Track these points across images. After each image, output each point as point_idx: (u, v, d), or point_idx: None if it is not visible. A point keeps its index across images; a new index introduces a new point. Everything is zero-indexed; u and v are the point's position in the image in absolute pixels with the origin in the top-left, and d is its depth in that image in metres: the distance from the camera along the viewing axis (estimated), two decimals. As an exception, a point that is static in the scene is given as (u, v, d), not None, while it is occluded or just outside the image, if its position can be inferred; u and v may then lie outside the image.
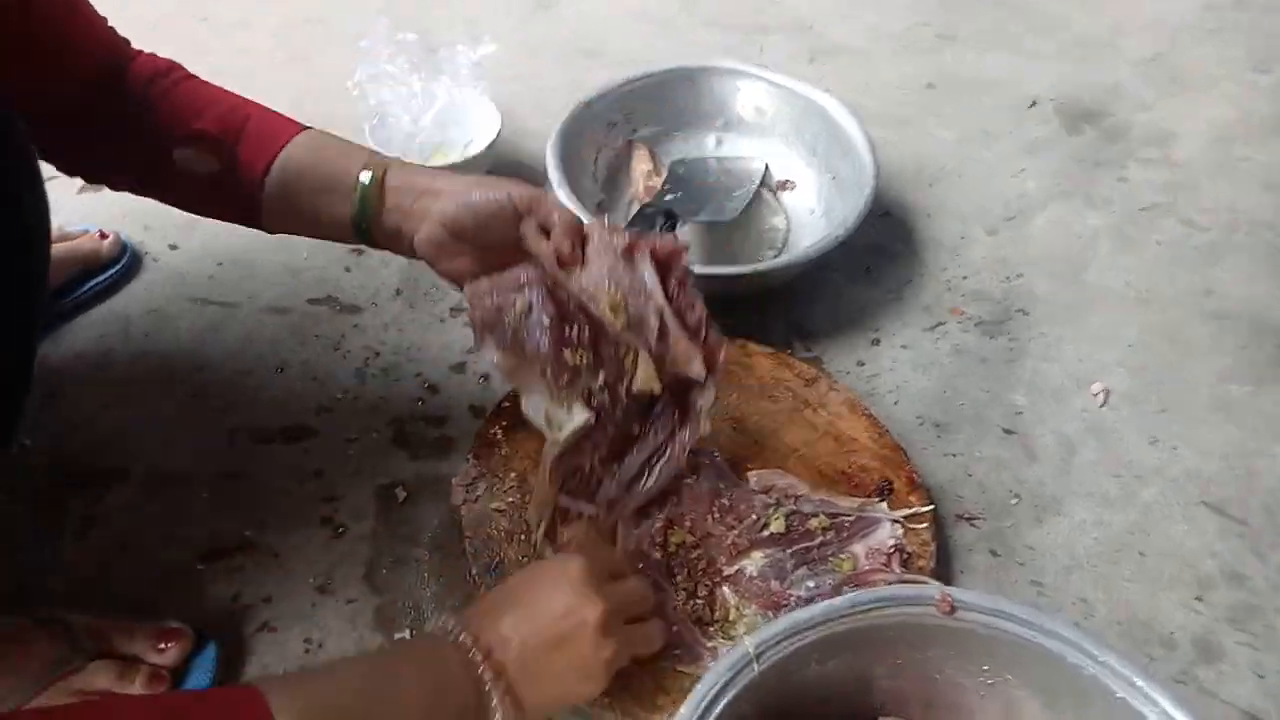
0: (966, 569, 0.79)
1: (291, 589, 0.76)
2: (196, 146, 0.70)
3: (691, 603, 0.71)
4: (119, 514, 0.80)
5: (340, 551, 0.78)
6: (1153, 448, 0.88)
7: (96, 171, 0.77)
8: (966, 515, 0.83)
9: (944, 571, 0.78)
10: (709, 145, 1.13)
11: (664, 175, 1.07)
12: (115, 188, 0.78)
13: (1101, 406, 0.92)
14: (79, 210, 1.06)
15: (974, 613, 0.56)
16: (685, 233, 1.04)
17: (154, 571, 0.77)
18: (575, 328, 0.67)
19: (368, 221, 0.69)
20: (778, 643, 0.55)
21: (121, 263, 0.99)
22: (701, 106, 1.12)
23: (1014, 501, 0.84)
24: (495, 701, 0.55)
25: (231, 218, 0.76)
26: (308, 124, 0.73)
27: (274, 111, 0.73)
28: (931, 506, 0.78)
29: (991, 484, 0.85)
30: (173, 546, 0.78)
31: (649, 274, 0.68)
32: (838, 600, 0.56)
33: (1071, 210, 1.12)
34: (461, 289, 0.70)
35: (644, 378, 0.68)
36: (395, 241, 0.71)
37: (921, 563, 0.75)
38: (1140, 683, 0.53)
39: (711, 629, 0.70)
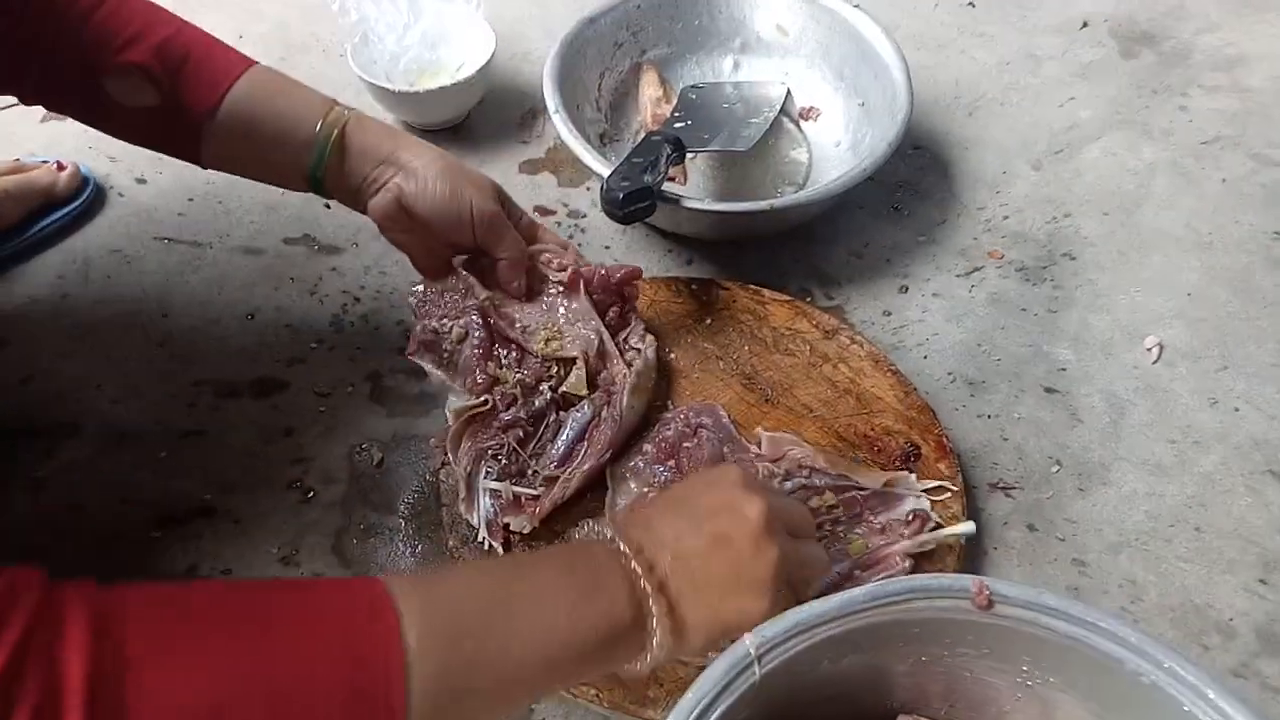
0: (1001, 545, 0.71)
1: (252, 559, 0.69)
2: (131, 78, 0.65)
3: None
4: (69, 474, 0.74)
5: (308, 519, 0.72)
6: (1213, 409, 0.79)
7: (2, 82, 0.68)
8: (1001, 484, 0.75)
9: (975, 549, 0.70)
10: (725, 68, 1.03)
11: (674, 101, 0.97)
12: (26, 103, 0.70)
13: (1155, 363, 0.82)
14: (40, 140, 0.98)
15: (1015, 607, 0.48)
16: (695, 165, 0.95)
17: (104, 539, 0.70)
18: (506, 352, 0.72)
19: (322, 178, 0.68)
20: (784, 641, 0.47)
21: (82, 197, 0.91)
22: (717, 25, 1.01)
23: (1055, 470, 0.76)
24: (655, 621, 0.48)
25: (165, 151, 0.71)
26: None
27: (217, 42, 0.69)
28: (959, 486, 0.70)
29: (1030, 449, 0.77)
30: (126, 511, 0.72)
31: (585, 303, 0.73)
32: (856, 592, 0.48)
33: (1126, 143, 1.01)
34: (405, 254, 0.73)
35: (575, 384, 0.71)
36: (348, 199, 0.70)
37: (950, 539, 0.67)
38: (1213, 694, 0.45)
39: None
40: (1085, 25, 1.14)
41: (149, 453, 0.75)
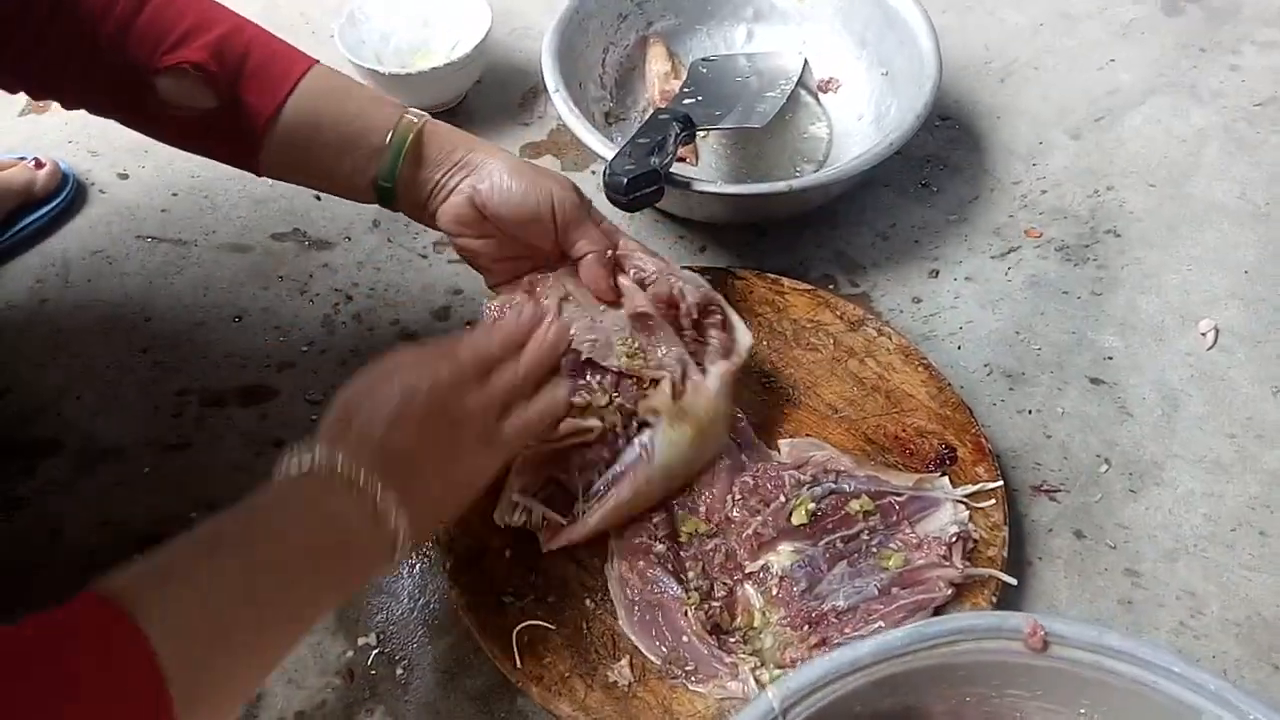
0: (1045, 555, 0.66)
1: (241, 583, 0.65)
2: (186, 79, 0.60)
3: (707, 605, 0.58)
4: (48, 493, 0.70)
5: (299, 537, 0.67)
6: (1276, 399, 0.73)
7: (44, 88, 0.65)
8: (1045, 487, 0.69)
9: (1017, 559, 0.65)
10: (738, 39, 0.96)
11: (684, 76, 0.91)
12: (68, 106, 0.66)
13: (1211, 348, 0.76)
14: (18, 135, 0.93)
15: (1074, 649, 0.43)
16: (706, 144, 0.89)
17: (85, 561, 0.66)
18: (597, 376, 0.63)
19: (392, 189, 0.64)
20: (812, 692, 0.42)
21: (62, 196, 0.87)
22: None
23: (1104, 469, 0.70)
24: (387, 506, 0.48)
25: (221, 158, 0.66)
26: (275, 30, 0.64)
27: (274, 37, 0.64)
28: (1000, 483, 0.64)
29: (1076, 448, 0.71)
30: (107, 532, 0.68)
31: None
32: (892, 636, 0.42)
33: (1172, 107, 0.93)
34: (469, 263, 0.67)
35: (659, 399, 0.62)
36: (415, 210, 0.65)
37: (991, 551, 0.61)
38: (1302, 750, 0.40)
39: (731, 640, 0.57)
40: (1125, -20, 1.06)
41: (131, 469, 0.71)
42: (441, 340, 0.57)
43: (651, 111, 0.79)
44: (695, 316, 0.65)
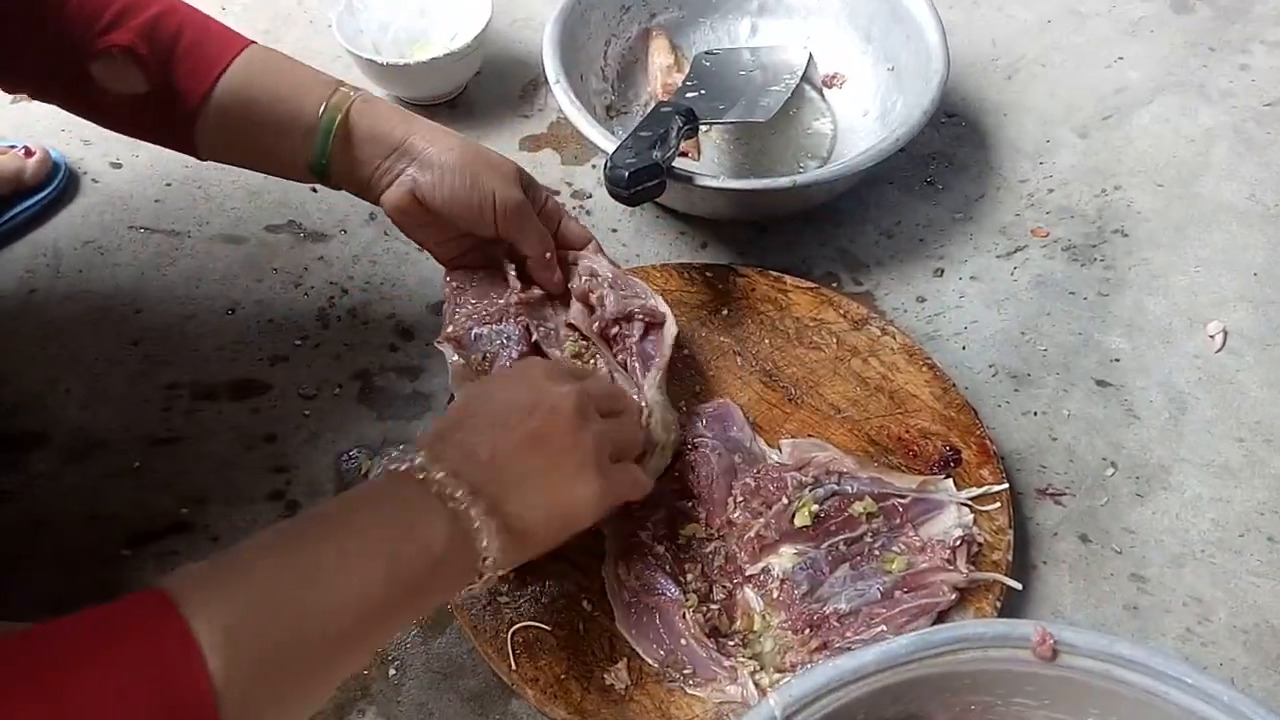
0: (1050, 559, 0.64)
1: (230, 581, 0.63)
2: (118, 63, 0.59)
3: (705, 608, 0.57)
4: (34, 487, 0.68)
5: (290, 534, 0.66)
6: (1285, 403, 0.72)
7: (8, 78, 0.64)
8: (1050, 490, 0.68)
9: (1022, 562, 0.64)
10: (742, 33, 0.95)
11: (687, 70, 0.89)
12: (9, 90, 0.66)
13: (1219, 351, 0.75)
14: (9, 123, 0.91)
15: (1084, 658, 0.42)
16: (709, 139, 0.87)
17: (73, 557, 0.65)
18: None
19: (327, 168, 0.63)
20: (814, 700, 0.41)
21: (53, 185, 0.85)
22: None
23: (1110, 472, 0.68)
24: (478, 523, 0.45)
25: (159, 143, 0.65)
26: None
27: (210, 20, 0.63)
28: (1005, 486, 0.63)
29: (1082, 450, 0.70)
30: (95, 527, 0.66)
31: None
32: (895, 644, 0.41)
33: (1181, 106, 0.92)
34: (425, 250, 0.68)
35: None
36: (358, 191, 0.65)
37: (995, 555, 0.60)
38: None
39: (730, 643, 0.56)
40: (1134, -23, 1.05)
41: (120, 462, 0.69)
42: (566, 361, 0.56)
43: (654, 105, 0.78)
44: (610, 324, 0.66)
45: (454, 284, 0.67)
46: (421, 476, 0.46)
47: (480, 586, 0.47)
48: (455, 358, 0.64)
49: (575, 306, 0.66)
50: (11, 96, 0.94)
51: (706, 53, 0.91)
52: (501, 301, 0.66)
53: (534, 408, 0.50)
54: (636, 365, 0.64)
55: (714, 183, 0.74)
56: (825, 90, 0.92)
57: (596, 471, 0.50)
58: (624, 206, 0.82)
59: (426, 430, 0.50)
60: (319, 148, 0.62)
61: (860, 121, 0.89)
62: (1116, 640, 0.41)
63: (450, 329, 0.65)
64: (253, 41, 0.63)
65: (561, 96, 0.79)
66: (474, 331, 0.65)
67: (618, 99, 0.90)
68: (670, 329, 0.65)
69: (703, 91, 0.83)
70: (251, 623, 0.38)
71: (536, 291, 0.66)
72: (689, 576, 0.58)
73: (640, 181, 0.66)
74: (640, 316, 0.65)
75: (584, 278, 0.66)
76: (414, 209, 0.63)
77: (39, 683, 0.34)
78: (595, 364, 0.65)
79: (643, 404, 0.61)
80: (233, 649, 0.37)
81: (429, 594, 0.46)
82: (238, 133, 0.62)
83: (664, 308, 0.66)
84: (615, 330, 0.65)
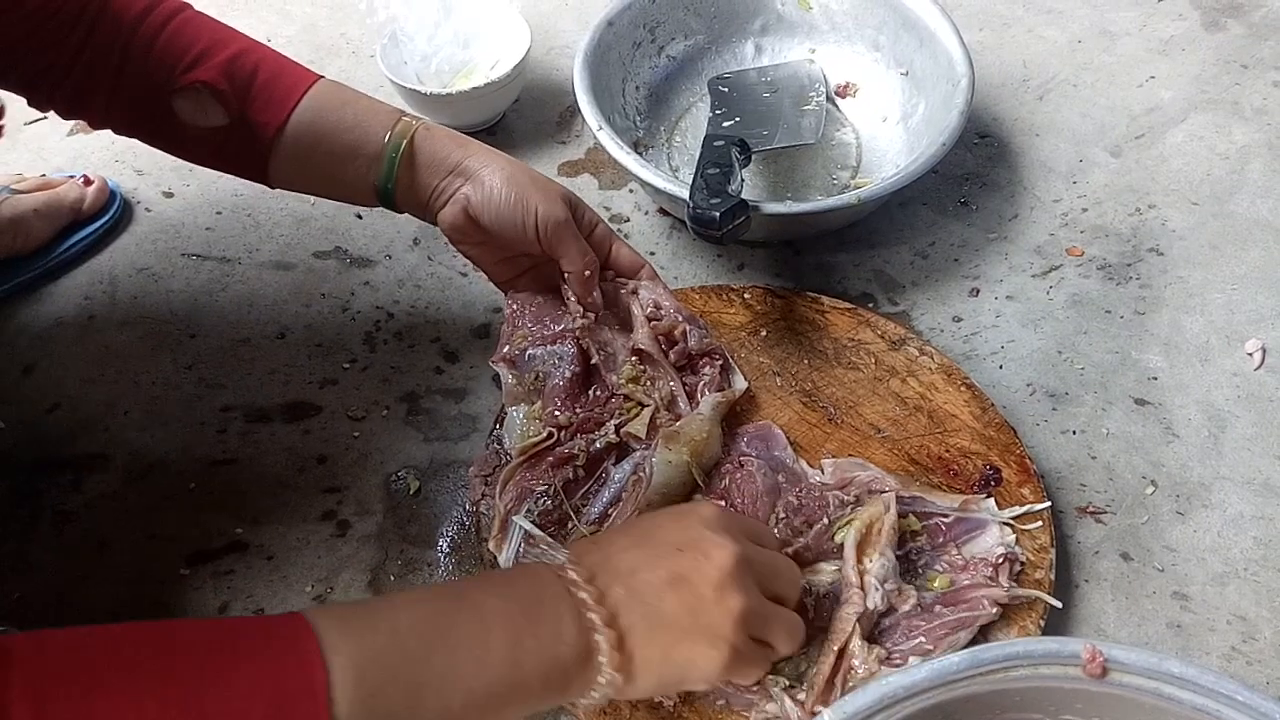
0: (1092, 577, 0.65)
1: (286, 598, 0.65)
2: (199, 98, 0.63)
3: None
4: (96, 508, 0.70)
5: (343, 553, 0.67)
6: (1326, 421, 0.72)
7: (73, 108, 0.67)
8: (1091, 509, 0.68)
9: (1063, 581, 0.64)
10: (747, 54, 0.97)
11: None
12: (95, 126, 0.69)
13: (1258, 368, 0.75)
14: (68, 154, 0.95)
15: (1133, 675, 0.42)
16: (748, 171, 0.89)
17: (133, 576, 0.67)
18: (593, 392, 0.68)
19: (392, 192, 0.66)
20: (867, 717, 0.42)
21: (110, 213, 0.88)
22: (735, 7, 0.95)
23: (1150, 491, 0.69)
24: (603, 656, 0.45)
25: (234, 172, 0.69)
26: (316, 51, 0.67)
27: (284, 58, 0.67)
28: (1048, 505, 0.63)
29: (1121, 469, 0.70)
30: (154, 547, 0.68)
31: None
32: (949, 661, 0.42)
33: (1214, 124, 0.93)
34: (481, 271, 0.71)
35: (636, 427, 0.65)
36: (419, 212, 0.68)
37: (1038, 574, 0.61)
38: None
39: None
40: (1164, -4, 1.05)
41: (178, 484, 0.72)
42: (747, 523, 0.55)
43: (704, 138, 0.78)
44: (692, 357, 0.69)
45: (514, 306, 0.70)
46: (563, 577, 0.46)
47: (584, 707, 0.47)
48: (509, 378, 0.66)
49: (641, 332, 0.67)
50: (68, 128, 0.97)
51: (718, 77, 0.93)
52: (559, 327, 0.68)
53: (688, 548, 0.48)
54: (708, 385, 0.67)
55: (781, 208, 0.75)
56: (839, 100, 0.93)
57: (729, 642, 0.46)
58: (662, 229, 0.84)
59: (584, 540, 0.51)
60: (385, 174, 0.65)
61: (881, 128, 0.91)
62: (1166, 658, 0.42)
63: (505, 349, 0.68)
64: (321, 76, 0.67)
65: (608, 142, 0.79)
66: (528, 352, 0.67)
67: (644, 135, 0.92)
68: (738, 384, 0.69)
69: (737, 119, 0.85)
70: (380, 670, 0.40)
71: (594, 317, 0.68)
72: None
73: (731, 220, 0.67)
74: (718, 356, 0.68)
75: (649, 307, 0.68)
76: (467, 226, 0.66)
77: (177, 681, 0.37)
78: (654, 387, 0.67)
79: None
80: (358, 690, 0.39)
81: (543, 691, 0.45)
82: (309, 162, 0.66)
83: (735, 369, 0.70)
84: (685, 363, 0.68)
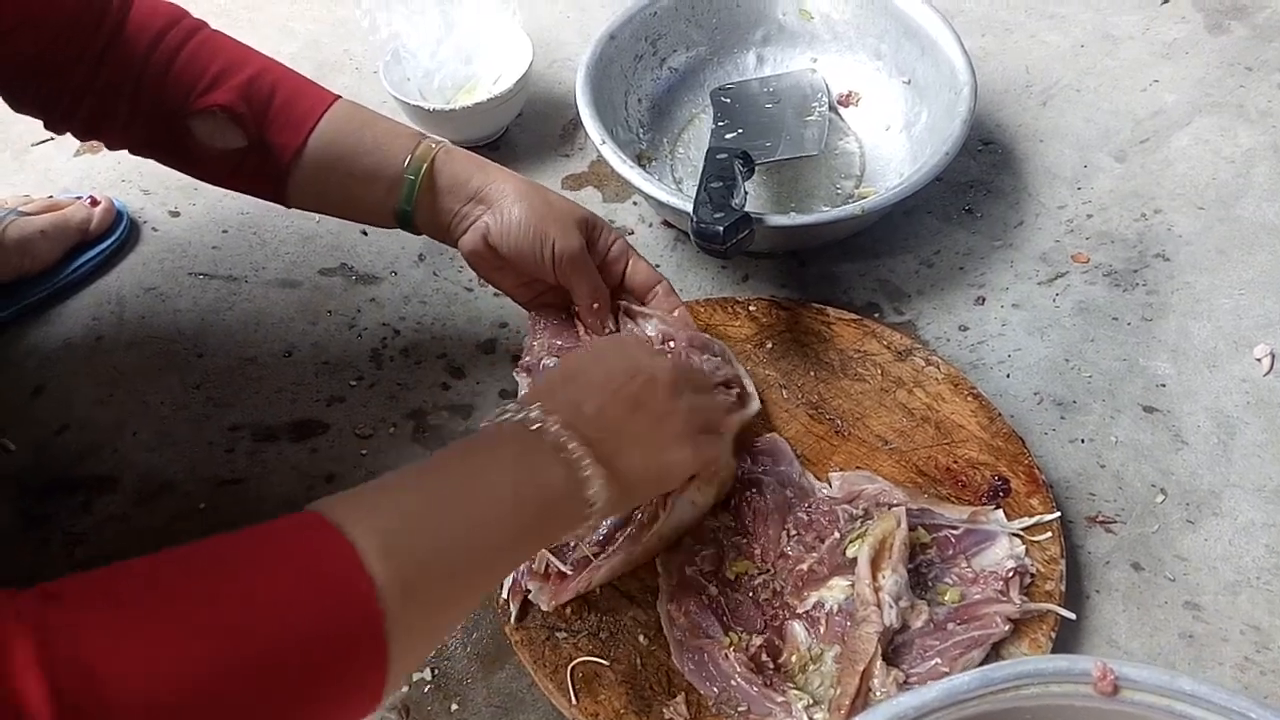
0: (1103, 587, 0.65)
1: (296, 619, 0.65)
2: (217, 121, 0.64)
3: (748, 645, 0.58)
4: (106, 529, 0.71)
5: (352, 572, 0.68)
6: (1336, 426, 0.71)
7: (90, 129, 0.68)
8: (1100, 518, 0.68)
9: (1074, 592, 0.64)
10: (749, 65, 0.97)
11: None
12: (112, 147, 0.70)
13: (1267, 374, 0.75)
14: (74, 175, 0.96)
15: (1145, 693, 0.42)
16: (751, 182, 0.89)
17: (144, 598, 0.67)
18: None
19: (412, 216, 0.67)
20: (876, 737, 0.41)
21: (116, 234, 0.89)
22: (736, 19, 0.95)
23: (1160, 499, 0.69)
24: (589, 472, 0.49)
25: (252, 193, 0.69)
26: (320, 67, 0.70)
27: (301, 78, 0.67)
28: (1057, 515, 0.63)
29: (1130, 477, 0.70)
30: (165, 568, 0.68)
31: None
32: (960, 680, 0.42)
33: (1219, 128, 0.92)
34: (503, 292, 0.72)
35: None
36: (439, 235, 0.69)
37: (1048, 585, 0.61)
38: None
39: (776, 677, 0.57)
40: (1166, 0, 1.05)
41: (188, 504, 0.72)
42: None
43: (706, 151, 0.78)
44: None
45: (536, 321, 0.70)
46: (535, 428, 0.49)
47: (584, 532, 0.52)
48: (524, 387, 0.67)
49: None
50: (75, 149, 0.98)
51: (720, 89, 0.93)
52: (570, 345, 0.68)
53: (634, 374, 0.54)
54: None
55: (785, 220, 0.75)
56: (841, 109, 0.93)
57: (689, 438, 0.54)
58: (666, 242, 0.84)
59: (534, 387, 0.55)
60: (404, 198, 0.66)
61: (884, 136, 0.91)
62: (1178, 675, 0.42)
63: (526, 359, 0.68)
64: (339, 97, 0.67)
65: (611, 156, 0.79)
66: (544, 363, 0.68)
67: (647, 147, 0.92)
68: (752, 407, 0.67)
69: (740, 130, 0.85)
70: (403, 536, 0.41)
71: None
72: (738, 613, 0.59)
73: (735, 234, 0.67)
74: (733, 386, 0.67)
75: (660, 342, 0.67)
76: (487, 253, 0.66)
77: (211, 594, 0.37)
78: None
79: (741, 378, 0.67)
80: (389, 557, 0.40)
81: (543, 532, 0.49)
82: (327, 185, 0.67)
83: (751, 387, 0.68)
84: None
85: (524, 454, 0.48)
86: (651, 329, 0.68)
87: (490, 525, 0.45)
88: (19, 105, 0.66)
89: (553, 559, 0.59)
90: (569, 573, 0.59)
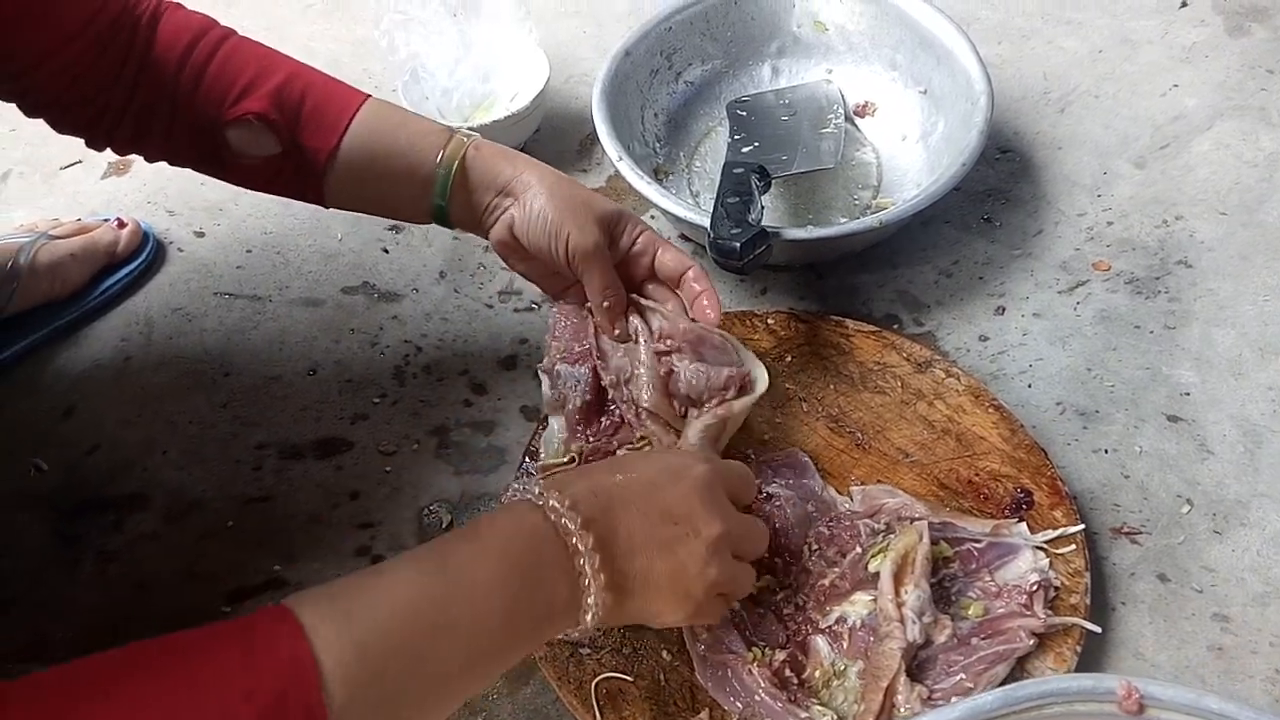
0: (1128, 600, 0.64)
1: (323, 636, 0.66)
2: (251, 129, 0.65)
3: (771, 661, 0.58)
4: (137, 547, 0.72)
5: (377, 589, 0.68)
6: (1365, 434, 0.70)
7: (129, 146, 0.69)
8: (1125, 530, 0.67)
9: (1099, 604, 0.63)
10: (764, 77, 0.97)
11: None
12: (151, 160, 0.71)
13: (1293, 382, 0.74)
14: (101, 197, 0.97)
15: (1171, 713, 0.42)
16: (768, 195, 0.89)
17: (175, 615, 0.68)
18: (605, 421, 0.68)
19: (446, 212, 0.68)
20: (900, 756, 0.42)
21: (143, 255, 0.90)
22: (750, 31, 0.96)
23: (1186, 510, 0.68)
24: (593, 589, 0.47)
25: (292, 196, 0.71)
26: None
27: (331, 80, 0.68)
28: (1081, 528, 0.63)
29: (1155, 487, 0.69)
30: (195, 585, 0.70)
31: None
32: (982, 700, 0.42)
33: (1241, 132, 0.91)
34: (531, 283, 0.72)
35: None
36: (473, 229, 0.69)
37: (1073, 599, 0.60)
38: None
39: (800, 693, 0.57)
40: (1185, 4, 1.04)
41: (216, 522, 0.73)
42: (732, 469, 0.57)
43: (723, 165, 0.79)
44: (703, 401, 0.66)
45: (557, 318, 0.70)
46: (556, 528, 0.47)
47: (575, 634, 0.49)
48: (547, 388, 0.68)
49: (647, 394, 0.64)
50: (103, 171, 1.00)
51: (736, 101, 0.93)
52: (580, 347, 0.68)
53: (683, 520, 0.50)
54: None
55: (802, 233, 0.75)
56: (858, 120, 0.93)
57: (696, 603, 0.51)
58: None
59: (578, 481, 0.51)
60: (438, 194, 0.66)
61: (901, 146, 0.91)
62: (1204, 694, 0.41)
63: (546, 361, 0.69)
64: (369, 96, 0.68)
65: (629, 172, 0.80)
66: (557, 368, 0.68)
67: (664, 161, 0.92)
68: (750, 397, 0.65)
69: (756, 144, 0.85)
70: (374, 656, 0.40)
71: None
72: (761, 628, 0.59)
73: (753, 249, 0.67)
74: (733, 385, 0.65)
75: (658, 338, 0.66)
76: (514, 244, 0.67)
77: (160, 699, 0.36)
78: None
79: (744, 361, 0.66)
80: (352, 680, 0.39)
81: (535, 643, 0.48)
82: (362, 184, 0.68)
83: (759, 371, 0.66)
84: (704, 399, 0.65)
85: (536, 566, 0.46)
86: (656, 323, 0.67)
87: (482, 639, 0.44)
88: (60, 127, 0.67)
89: None
90: None
